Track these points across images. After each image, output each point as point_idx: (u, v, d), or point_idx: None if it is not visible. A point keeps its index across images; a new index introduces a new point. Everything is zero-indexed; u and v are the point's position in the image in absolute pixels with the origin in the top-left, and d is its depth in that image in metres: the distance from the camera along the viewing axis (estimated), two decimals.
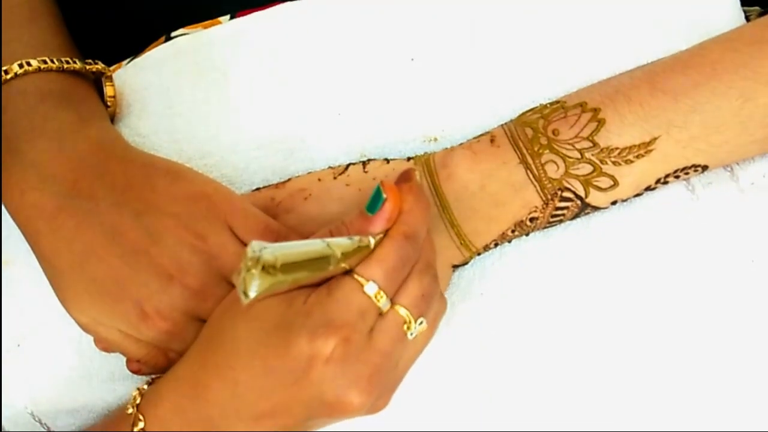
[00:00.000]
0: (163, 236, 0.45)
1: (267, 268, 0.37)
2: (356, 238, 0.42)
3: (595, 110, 0.47)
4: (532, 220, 0.48)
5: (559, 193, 0.47)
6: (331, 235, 0.43)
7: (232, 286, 0.45)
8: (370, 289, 0.42)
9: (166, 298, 0.45)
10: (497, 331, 0.50)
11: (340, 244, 0.41)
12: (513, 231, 0.48)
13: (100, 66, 0.52)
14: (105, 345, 0.48)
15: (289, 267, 0.39)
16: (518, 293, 0.50)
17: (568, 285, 0.49)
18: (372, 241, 0.42)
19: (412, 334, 0.43)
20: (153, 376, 0.48)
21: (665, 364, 0.49)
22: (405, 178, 0.45)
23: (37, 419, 0.52)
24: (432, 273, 0.45)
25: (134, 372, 0.49)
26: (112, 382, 0.52)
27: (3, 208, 0.50)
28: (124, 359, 0.49)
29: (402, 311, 0.43)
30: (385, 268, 0.42)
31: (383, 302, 0.42)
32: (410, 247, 0.43)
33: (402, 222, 0.43)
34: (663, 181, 0.48)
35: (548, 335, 0.49)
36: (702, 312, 0.49)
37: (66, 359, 0.52)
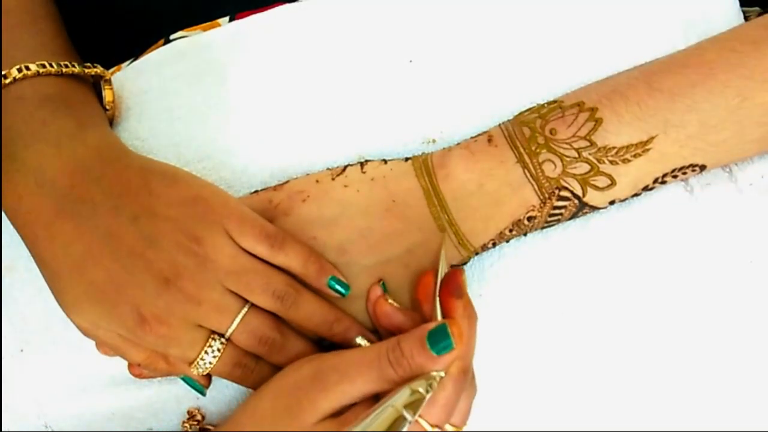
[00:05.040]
0: (160, 240, 0.45)
1: None
2: (422, 388, 0.41)
3: (593, 110, 0.47)
4: (529, 219, 0.48)
5: (557, 192, 0.47)
6: (389, 360, 0.42)
7: (229, 291, 0.46)
8: None
9: (162, 301, 0.45)
10: (496, 332, 0.50)
11: (410, 401, 0.41)
12: (511, 230, 0.48)
13: (99, 69, 0.52)
14: (106, 349, 0.48)
15: None
16: (517, 294, 0.50)
17: (567, 286, 0.49)
18: (435, 385, 0.42)
19: None
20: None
21: (664, 364, 0.49)
22: (456, 290, 0.44)
23: (40, 422, 0.53)
24: (475, 382, 0.46)
25: (136, 376, 0.49)
26: (114, 386, 0.52)
27: (3, 213, 0.50)
28: (126, 363, 0.49)
29: (452, 430, 0.44)
30: (449, 410, 0.43)
31: None
32: (467, 379, 0.43)
33: (461, 358, 0.43)
34: (661, 180, 0.48)
35: (547, 336, 0.49)
36: (701, 313, 0.49)
37: (68, 363, 0.52)
